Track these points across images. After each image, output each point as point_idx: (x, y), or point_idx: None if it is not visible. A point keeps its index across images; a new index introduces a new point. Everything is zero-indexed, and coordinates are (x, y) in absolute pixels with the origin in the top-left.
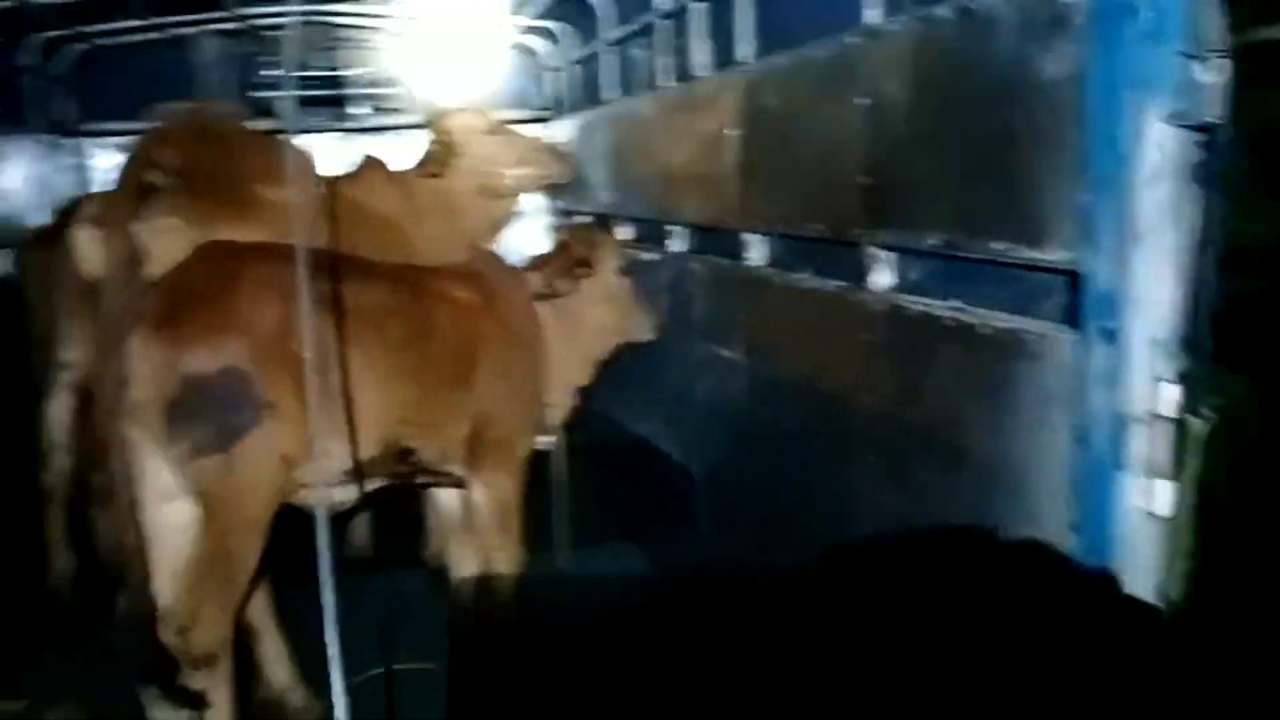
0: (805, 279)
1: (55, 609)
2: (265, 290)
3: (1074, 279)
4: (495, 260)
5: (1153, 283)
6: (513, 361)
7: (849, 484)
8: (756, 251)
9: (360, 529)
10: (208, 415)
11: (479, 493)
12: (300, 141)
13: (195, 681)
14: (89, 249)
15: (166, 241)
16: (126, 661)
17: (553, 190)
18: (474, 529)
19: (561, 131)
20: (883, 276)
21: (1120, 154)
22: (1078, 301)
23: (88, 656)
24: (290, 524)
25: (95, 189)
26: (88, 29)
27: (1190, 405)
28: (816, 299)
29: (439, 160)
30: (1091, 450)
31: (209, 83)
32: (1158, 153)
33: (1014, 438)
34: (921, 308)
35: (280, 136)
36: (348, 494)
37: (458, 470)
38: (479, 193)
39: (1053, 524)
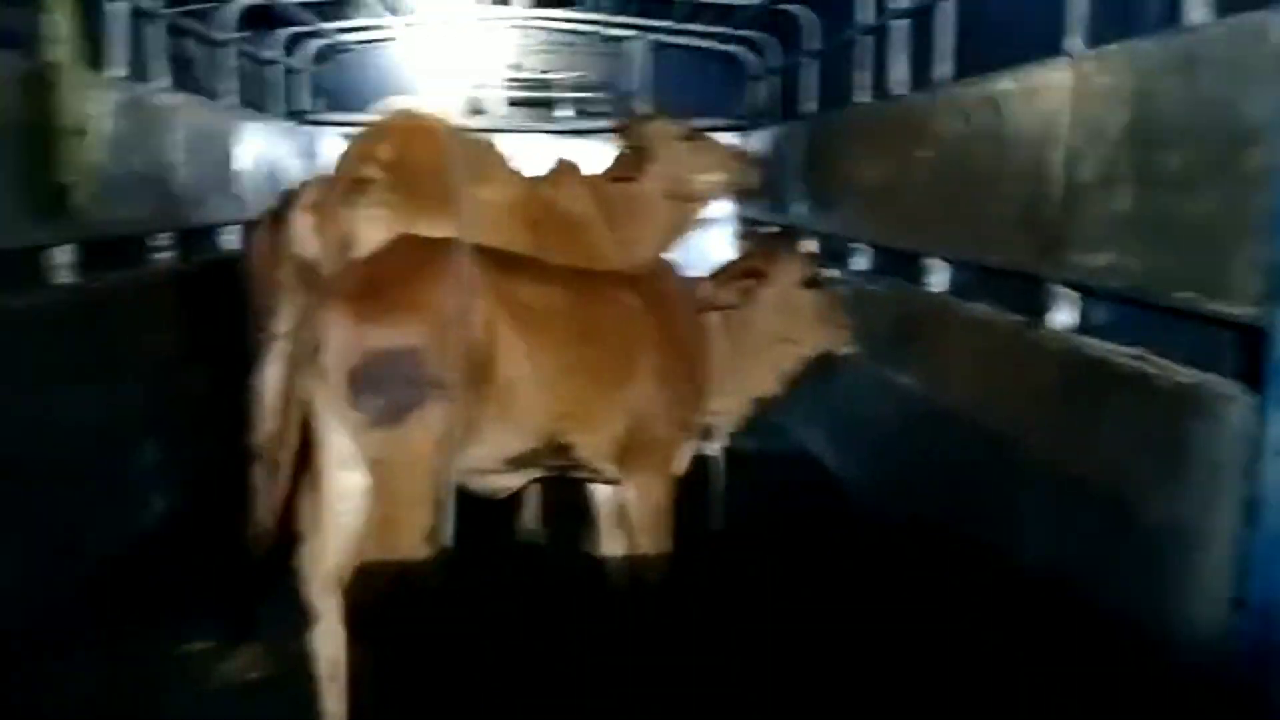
0: (983, 309)
1: (251, 560)
2: (446, 282)
3: (1259, 337)
4: (666, 268)
5: None
6: (671, 367)
7: (1002, 521)
8: (937, 277)
9: (529, 513)
10: (384, 388)
11: (630, 493)
12: (506, 141)
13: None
14: (305, 232)
15: (373, 230)
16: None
17: (741, 197)
18: (624, 526)
19: (758, 141)
20: (1063, 315)
21: None
22: (1261, 362)
23: (274, 605)
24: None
25: (321, 173)
26: (327, 25)
27: None
28: (993, 331)
29: (631, 164)
30: (1264, 524)
31: (429, 79)
32: None
33: (1180, 499)
34: (1100, 351)
35: (486, 138)
36: (508, 481)
37: (611, 469)
38: (667, 197)
39: (1214, 596)
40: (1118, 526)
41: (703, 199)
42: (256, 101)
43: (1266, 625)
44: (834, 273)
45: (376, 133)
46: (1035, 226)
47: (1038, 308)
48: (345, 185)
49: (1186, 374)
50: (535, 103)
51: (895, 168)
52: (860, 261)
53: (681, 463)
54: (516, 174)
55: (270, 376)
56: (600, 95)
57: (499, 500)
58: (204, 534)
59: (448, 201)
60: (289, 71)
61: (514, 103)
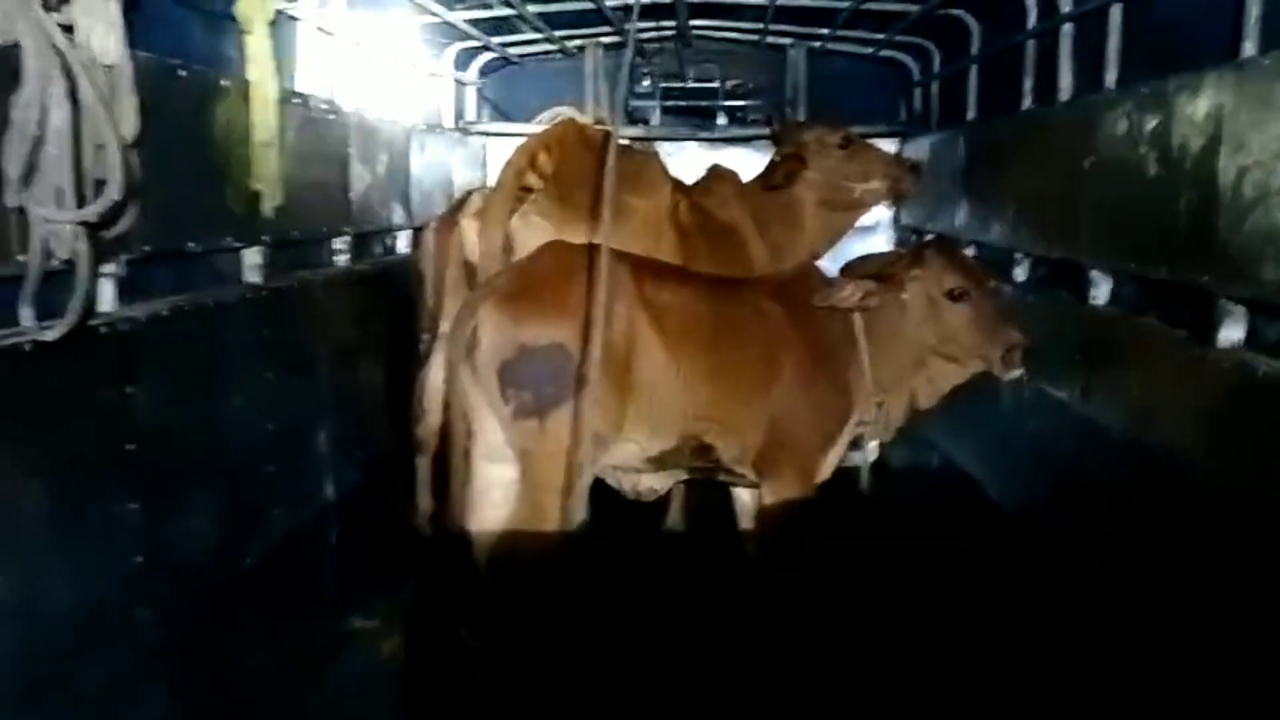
0: (1149, 323)
1: (417, 545)
2: (590, 285)
3: None
4: (812, 272)
5: None
6: (813, 374)
7: (1163, 548)
8: (1100, 290)
9: (675, 514)
10: (533, 382)
11: (767, 498)
12: (665, 149)
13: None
14: (471, 237)
15: (534, 237)
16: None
17: (899, 204)
18: (758, 530)
19: (917, 149)
20: (1234, 331)
21: None
22: None
23: (434, 587)
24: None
25: (489, 181)
26: (495, 39)
27: None
28: (1158, 346)
29: (785, 172)
30: None
31: (594, 91)
32: None
33: None
34: (1270, 368)
35: (648, 147)
36: (657, 481)
37: (751, 474)
38: (822, 204)
39: None
40: None
41: (859, 206)
42: (429, 115)
43: None
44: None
45: (538, 143)
46: (1203, 240)
47: (1206, 323)
48: (508, 193)
49: None
50: (694, 110)
51: (1058, 175)
52: (1020, 273)
53: (824, 470)
54: (672, 182)
55: (435, 372)
56: (758, 103)
57: (648, 502)
58: (372, 518)
59: (602, 210)
60: (459, 84)
61: (671, 111)
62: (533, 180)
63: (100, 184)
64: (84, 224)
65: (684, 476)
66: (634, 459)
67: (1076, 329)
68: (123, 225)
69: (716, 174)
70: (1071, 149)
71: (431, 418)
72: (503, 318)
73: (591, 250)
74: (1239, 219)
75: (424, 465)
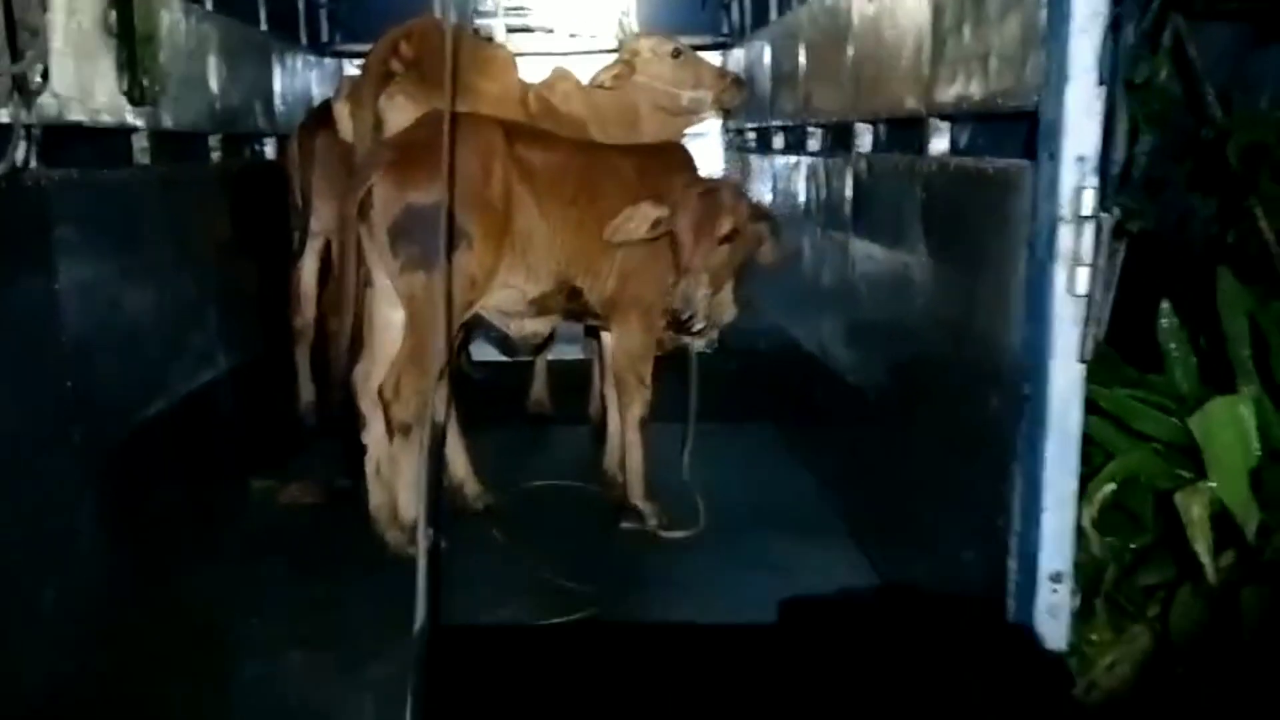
0: (893, 156)
1: (300, 424)
2: (468, 149)
3: (1034, 120)
4: (674, 150)
5: (1080, 115)
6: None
7: (901, 337)
8: (863, 140)
9: (540, 390)
10: (419, 238)
11: (615, 340)
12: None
13: (393, 448)
14: (343, 118)
15: (400, 115)
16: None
17: (727, 114)
18: (615, 366)
19: (739, 58)
20: (941, 143)
21: (1064, 9)
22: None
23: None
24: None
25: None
26: None
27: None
28: (897, 171)
29: (617, 76)
30: (1036, 250)
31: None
32: (1087, 7)
33: (1001, 253)
34: (956, 165)
35: (496, 41)
36: (538, 325)
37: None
38: (656, 109)
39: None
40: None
41: (688, 113)
42: (288, 34)
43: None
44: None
45: (400, 33)
46: (916, 75)
47: (924, 142)
48: (375, 77)
49: (1004, 163)
50: (535, 29)
51: (831, 55)
52: (813, 143)
53: (657, 325)
54: (518, 75)
55: (308, 267)
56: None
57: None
58: (260, 395)
59: (463, 91)
60: (312, 4)
61: (515, 29)
62: (396, 66)
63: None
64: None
65: (559, 321)
66: (516, 303)
67: (852, 177)
68: (45, 90)
69: (560, 73)
70: (837, 31)
71: (308, 310)
72: (390, 183)
73: (466, 120)
74: (936, 54)
75: (303, 354)
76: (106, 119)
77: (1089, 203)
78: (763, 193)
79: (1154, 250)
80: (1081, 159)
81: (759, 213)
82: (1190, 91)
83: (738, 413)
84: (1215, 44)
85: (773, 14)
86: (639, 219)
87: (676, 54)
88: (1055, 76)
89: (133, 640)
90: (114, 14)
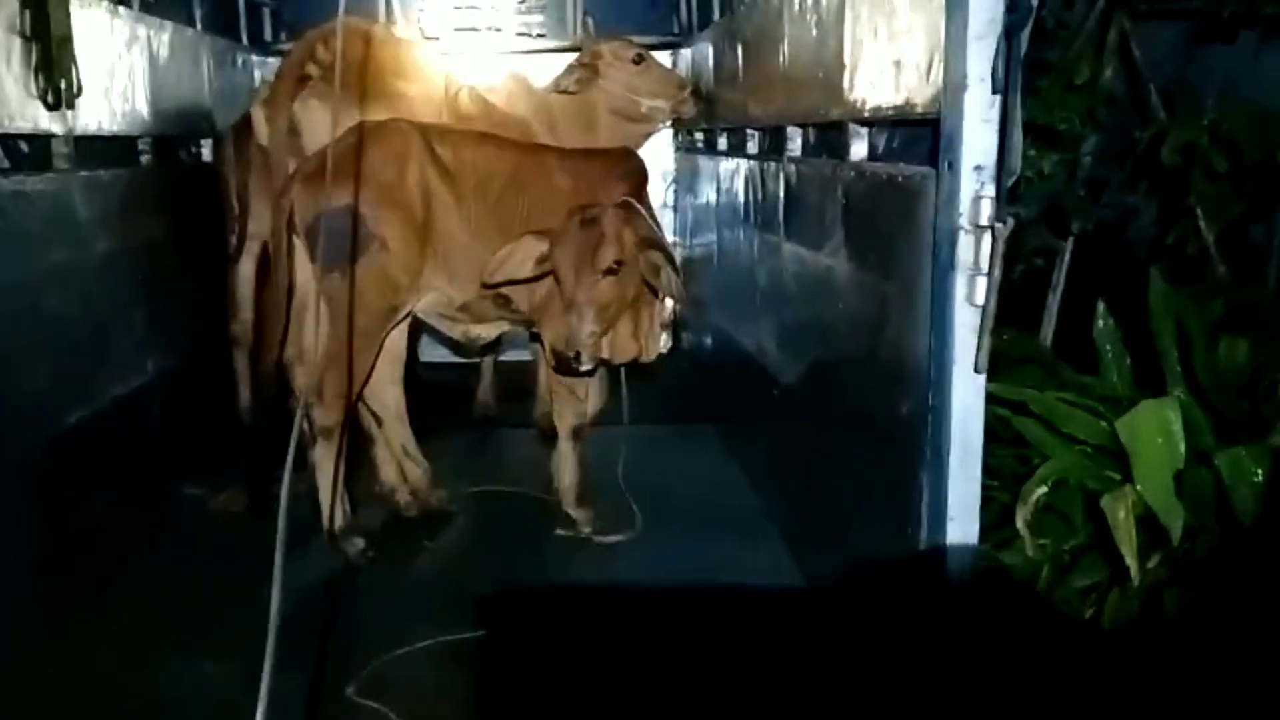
0: (820, 160)
1: (237, 428)
2: (384, 154)
3: (936, 126)
4: (624, 160)
5: (977, 123)
6: None
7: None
8: (794, 143)
9: (485, 393)
10: (332, 241)
11: (547, 349)
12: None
13: (315, 452)
14: (260, 122)
15: (315, 119)
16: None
17: (680, 123)
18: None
19: (688, 56)
20: (860, 149)
21: (962, 16)
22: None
23: (255, 460)
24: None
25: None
26: None
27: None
28: (821, 175)
29: (578, 80)
30: (938, 259)
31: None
32: (984, 13)
33: (908, 258)
34: (870, 170)
35: (414, 41)
36: (482, 330)
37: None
38: (613, 113)
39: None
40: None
41: (645, 120)
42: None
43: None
44: (737, 160)
45: (316, 36)
46: (838, 80)
47: (845, 147)
48: (289, 81)
49: (911, 170)
50: (489, 28)
51: (767, 60)
52: (751, 147)
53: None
54: (447, 74)
55: (245, 271)
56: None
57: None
58: (195, 401)
59: (380, 94)
60: (253, 4)
61: (467, 28)
62: (312, 70)
63: None
64: None
65: (505, 327)
66: (446, 307)
67: (781, 182)
68: None
69: (511, 74)
70: (770, 33)
71: (245, 314)
72: (305, 190)
73: (385, 127)
74: (850, 61)
75: (242, 360)
76: (21, 124)
77: (986, 212)
78: (709, 195)
79: (1098, 250)
80: (979, 168)
81: (649, 242)
82: (1135, 91)
83: (682, 414)
84: (1160, 43)
85: (716, 14)
86: (521, 255)
87: (638, 60)
88: (953, 84)
89: (41, 656)
90: (27, 15)
